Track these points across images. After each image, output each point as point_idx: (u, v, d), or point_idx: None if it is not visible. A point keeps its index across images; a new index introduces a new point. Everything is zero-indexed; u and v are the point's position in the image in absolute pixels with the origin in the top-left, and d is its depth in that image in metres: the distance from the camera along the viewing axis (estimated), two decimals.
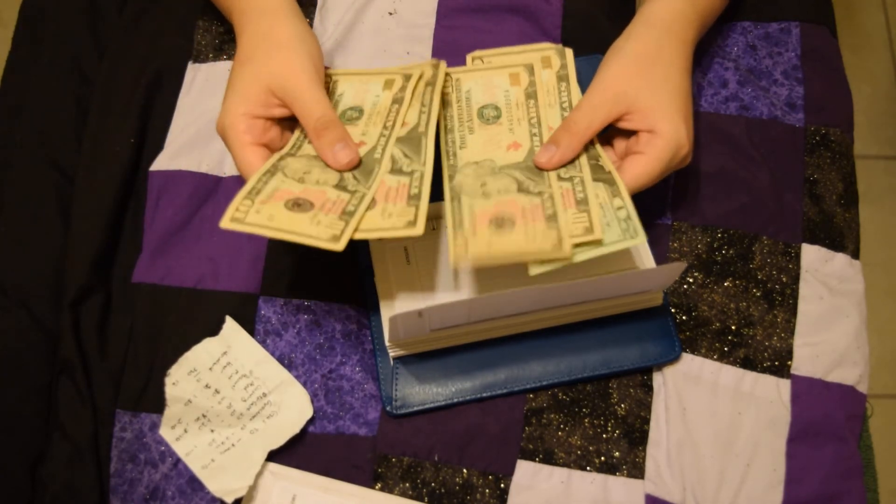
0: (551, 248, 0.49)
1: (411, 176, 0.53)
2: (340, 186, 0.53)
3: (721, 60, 0.69)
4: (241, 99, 0.54)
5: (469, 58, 0.64)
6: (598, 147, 0.57)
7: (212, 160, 0.65)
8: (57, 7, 0.73)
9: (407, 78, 0.59)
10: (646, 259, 0.61)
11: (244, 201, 0.50)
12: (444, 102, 0.60)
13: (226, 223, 0.49)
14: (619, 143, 0.58)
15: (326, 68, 0.61)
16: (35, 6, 0.74)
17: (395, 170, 0.54)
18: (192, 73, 0.68)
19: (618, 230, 0.51)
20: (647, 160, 0.55)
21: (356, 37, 0.69)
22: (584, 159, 0.56)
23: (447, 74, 0.62)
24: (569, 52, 0.62)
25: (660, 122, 0.55)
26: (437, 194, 0.55)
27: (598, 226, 0.50)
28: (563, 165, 0.56)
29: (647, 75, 0.56)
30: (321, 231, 0.49)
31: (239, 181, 0.64)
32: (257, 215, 0.50)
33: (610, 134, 0.58)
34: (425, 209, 0.51)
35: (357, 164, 0.54)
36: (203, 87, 0.68)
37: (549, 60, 0.62)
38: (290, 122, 0.57)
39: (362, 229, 0.50)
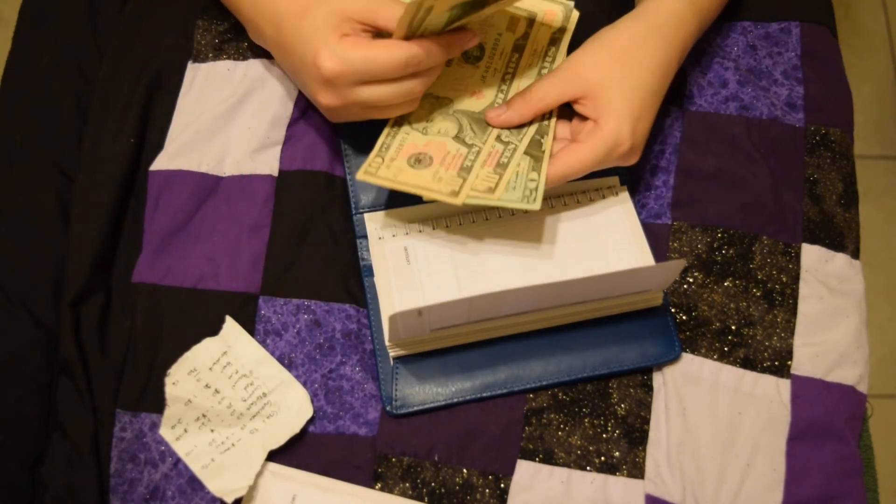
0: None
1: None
2: (459, 139, 0.56)
3: (721, 60, 0.69)
4: (331, 29, 0.53)
5: None
6: (553, 125, 0.59)
7: (212, 160, 0.65)
8: (57, 7, 0.73)
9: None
10: (646, 258, 0.61)
11: (376, 158, 0.56)
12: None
13: (361, 175, 0.55)
14: (576, 124, 0.60)
15: None
16: (35, 6, 0.74)
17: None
18: (192, 72, 0.68)
19: (519, 194, 0.54)
20: (582, 150, 0.57)
21: None
22: (530, 130, 0.58)
23: None
24: (574, 15, 0.62)
25: (605, 116, 0.56)
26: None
27: (503, 188, 0.54)
28: (508, 128, 0.58)
29: (613, 67, 0.57)
30: (442, 186, 0.54)
31: (238, 181, 0.64)
32: (386, 170, 0.55)
33: (572, 112, 0.60)
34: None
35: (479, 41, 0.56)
36: (203, 86, 0.68)
37: (552, 15, 0.62)
38: None
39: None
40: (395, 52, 0.52)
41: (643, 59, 0.58)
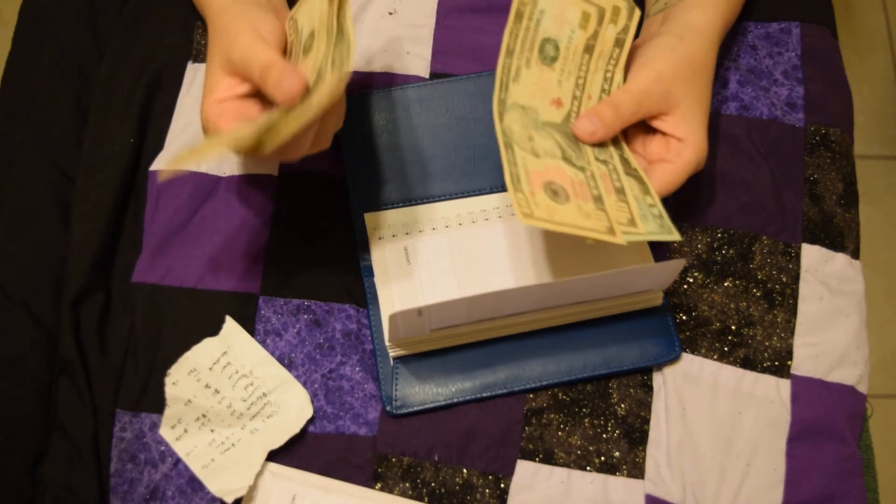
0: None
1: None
2: (567, 160, 0.52)
3: (721, 60, 0.69)
4: (207, 92, 0.55)
5: None
6: (624, 143, 0.56)
7: (212, 160, 0.65)
8: (57, 7, 0.73)
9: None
10: (645, 258, 0.61)
11: (517, 194, 0.49)
12: (518, 13, 0.55)
13: (524, 220, 0.47)
14: (637, 140, 0.58)
15: None
16: (35, 6, 0.74)
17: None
18: (191, 72, 0.68)
19: (653, 224, 0.50)
20: (674, 169, 0.55)
21: (356, 36, 0.69)
22: (612, 148, 0.55)
23: None
24: (636, 14, 0.57)
25: (692, 134, 0.55)
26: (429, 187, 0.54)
27: (639, 219, 0.50)
28: (600, 144, 0.55)
29: (694, 83, 0.56)
30: (594, 223, 0.49)
31: (238, 181, 0.64)
32: (538, 209, 0.49)
33: (630, 127, 0.58)
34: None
35: (302, 89, 0.50)
36: (203, 86, 0.68)
37: (618, 13, 0.57)
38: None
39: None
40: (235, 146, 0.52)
41: (710, 77, 0.58)
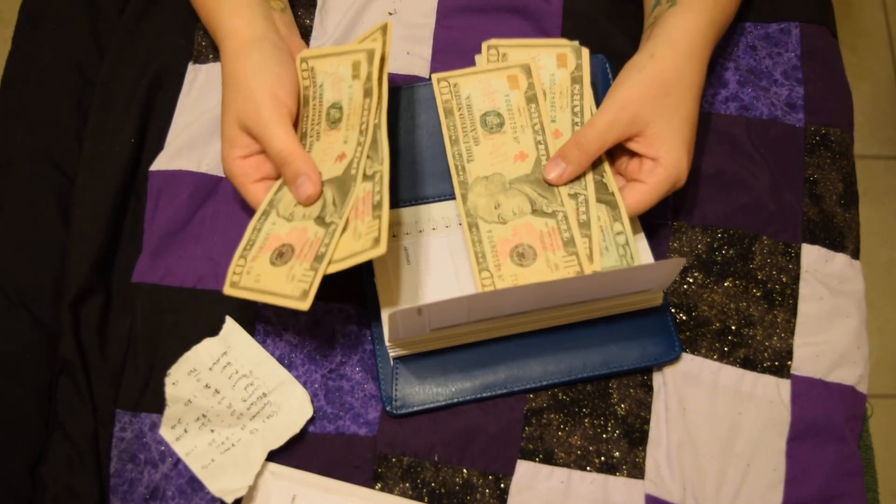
0: (574, 276, 0.52)
1: (373, 180, 0.53)
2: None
3: (721, 60, 0.69)
4: (228, 145, 0.58)
5: (485, 45, 0.64)
6: (606, 164, 0.58)
7: (212, 160, 0.65)
8: (57, 7, 0.73)
9: (370, 57, 0.58)
10: (645, 258, 0.61)
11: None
12: (446, 110, 0.61)
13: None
14: (621, 160, 0.59)
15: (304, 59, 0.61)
16: (35, 6, 0.74)
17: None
18: (192, 73, 0.68)
19: (615, 256, 0.53)
20: (646, 189, 0.56)
21: (356, 37, 0.69)
22: (589, 175, 0.57)
23: (444, 80, 0.62)
24: (585, 52, 0.62)
25: (665, 153, 0.56)
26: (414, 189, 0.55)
27: (597, 253, 0.53)
28: (571, 182, 0.57)
29: (664, 101, 0.56)
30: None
31: None
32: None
33: (614, 148, 0.59)
34: (387, 223, 0.49)
35: (318, 196, 0.56)
36: (203, 87, 0.68)
37: (564, 59, 0.61)
38: None
39: (335, 259, 0.51)
40: (254, 203, 0.58)
41: (687, 89, 0.58)
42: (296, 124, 0.59)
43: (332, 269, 0.51)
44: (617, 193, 0.55)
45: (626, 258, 0.52)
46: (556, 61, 0.61)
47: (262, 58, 0.58)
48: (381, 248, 0.48)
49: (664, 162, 0.56)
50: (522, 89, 0.60)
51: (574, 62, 0.61)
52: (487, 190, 0.56)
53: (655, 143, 0.56)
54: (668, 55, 0.58)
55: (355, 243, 0.51)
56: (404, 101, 0.64)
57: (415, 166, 0.63)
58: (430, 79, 0.64)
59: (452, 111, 0.61)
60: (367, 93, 0.57)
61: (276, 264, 0.52)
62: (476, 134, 0.59)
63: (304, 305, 0.50)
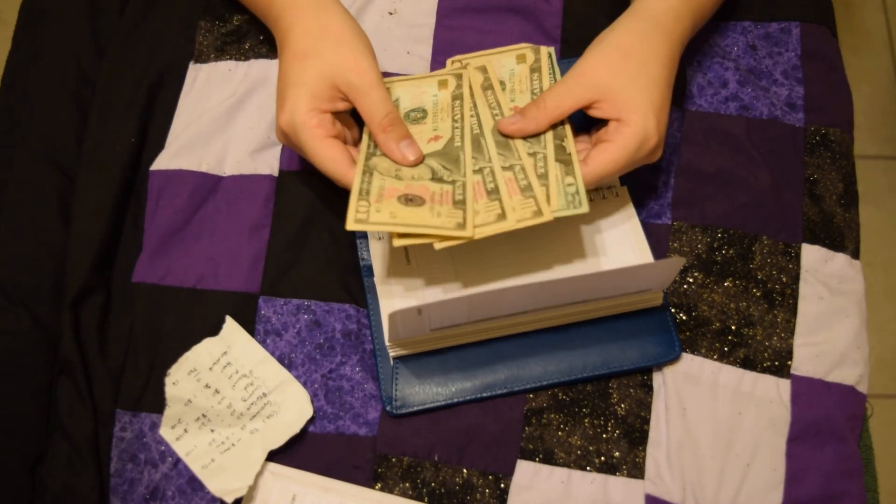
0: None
1: (454, 185, 0.54)
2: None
3: (721, 60, 0.69)
4: (308, 94, 0.56)
5: (448, 61, 0.65)
6: (568, 129, 0.58)
7: (212, 160, 0.65)
8: (57, 7, 0.73)
9: (458, 78, 0.62)
10: (646, 258, 0.61)
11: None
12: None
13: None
14: (594, 133, 0.60)
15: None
16: (35, 6, 0.74)
17: (436, 178, 0.55)
18: (193, 73, 0.68)
19: (563, 201, 0.53)
20: (613, 148, 0.56)
21: None
22: (549, 136, 0.58)
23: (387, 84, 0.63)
24: (544, 49, 0.63)
25: (628, 113, 0.56)
26: None
27: (555, 198, 0.53)
28: (525, 137, 0.58)
29: (624, 65, 0.57)
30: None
31: (238, 181, 0.64)
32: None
33: (588, 123, 0.60)
34: (472, 213, 0.52)
35: (421, 160, 0.56)
36: (204, 87, 0.68)
37: (523, 57, 0.63)
38: (344, 116, 0.59)
39: (415, 224, 0.51)
40: (332, 171, 0.56)
41: (650, 54, 0.58)
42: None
43: (412, 231, 0.51)
44: (574, 154, 0.56)
45: (575, 204, 0.53)
46: (516, 60, 0.63)
47: (355, 23, 0.59)
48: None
49: (628, 121, 0.56)
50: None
51: (532, 57, 0.63)
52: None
53: (618, 105, 0.56)
54: (628, 26, 0.59)
55: (434, 219, 0.52)
56: None
57: None
58: None
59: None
60: (456, 97, 0.60)
61: (411, 206, 0.52)
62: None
63: (468, 233, 0.51)
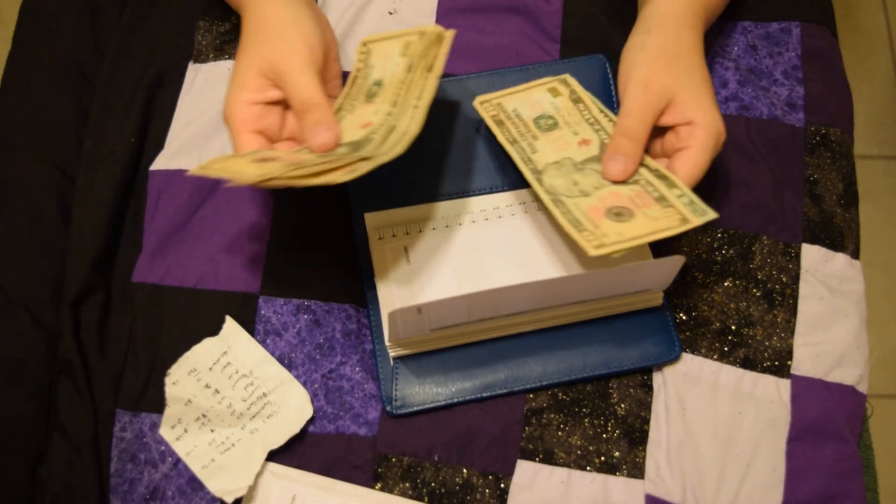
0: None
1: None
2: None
3: (721, 60, 0.69)
4: (237, 87, 0.55)
5: (477, 101, 0.63)
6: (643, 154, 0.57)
7: None
8: (57, 7, 0.73)
9: (564, 83, 0.62)
10: (646, 258, 0.61)
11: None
12: (496, 122, 0.61)
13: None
14: (654, 146, 0.58)
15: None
16: (35, 6, 0.74)
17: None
18: (192, 73, 0.68)
19: (689, 211, 0.52)
20: (694, 153, 0.55)
21: (356, 36, 0.69)
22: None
23: (487, 101, 0.63)
24: (571, 80, 0.62)
25: (696, 113, 0.55)
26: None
27: (698, 201, 0.52)
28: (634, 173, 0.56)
29: (676, 65, 0.56)
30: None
31: None
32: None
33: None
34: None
35: (334, 146, 0.54)
36: (203, 86, 0.68)
37: (555, 90, 0.62)
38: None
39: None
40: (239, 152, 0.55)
41: (690, 52, 0.57)
42: (332, 96, 0.59)
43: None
44: (661, 168, 0.55)
45: (698, 213, 0.51)
46: (550, 94, 0.62)
47: (301, 9, 0.58)
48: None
49: (700, 121, 0.55)
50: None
51: (566, 90, 0.62)
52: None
53: (685, 107, 0.55)
54: (660, 28, 0.58)
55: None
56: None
57: (415, 166, 0.63)
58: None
59: (503, 121, 0.61)
60: (410, 68, 0.57)
61: (624, 220, 0.51)
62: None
63: (699, 220, 0.50)
